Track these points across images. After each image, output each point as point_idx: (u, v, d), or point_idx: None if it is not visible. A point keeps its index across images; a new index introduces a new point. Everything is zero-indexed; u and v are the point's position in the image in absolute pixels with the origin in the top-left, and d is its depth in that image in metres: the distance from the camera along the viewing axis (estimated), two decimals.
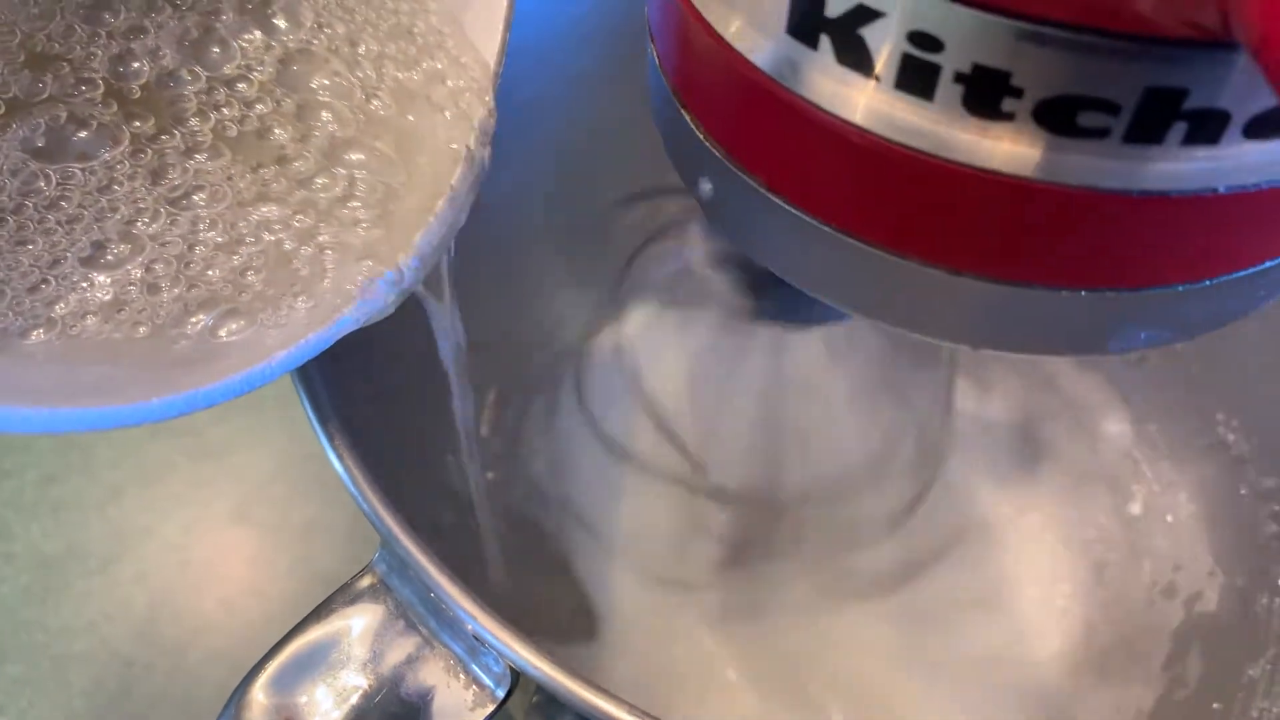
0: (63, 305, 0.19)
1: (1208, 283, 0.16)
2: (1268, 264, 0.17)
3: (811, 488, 0.38)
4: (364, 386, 0.25)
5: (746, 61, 0.16)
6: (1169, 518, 0.38)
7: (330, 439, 0.22)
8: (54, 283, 0.19)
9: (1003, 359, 0.42)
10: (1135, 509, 0.39)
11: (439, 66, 0.22)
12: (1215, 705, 0.33)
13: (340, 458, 0.22)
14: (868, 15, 0.14)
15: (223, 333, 0.19)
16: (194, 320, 0.19)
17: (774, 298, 0.32)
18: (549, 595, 0.38)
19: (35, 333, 0.18)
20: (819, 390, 0.37)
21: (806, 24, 0.15)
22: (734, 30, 0.16)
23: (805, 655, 0.37)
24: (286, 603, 0.41)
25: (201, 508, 0.43)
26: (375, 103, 0.22)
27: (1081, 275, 0.16)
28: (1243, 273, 0.16)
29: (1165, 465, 0.39)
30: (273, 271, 0.20)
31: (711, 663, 0.37)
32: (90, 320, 0.19)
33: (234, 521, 0.43)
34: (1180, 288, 0.16)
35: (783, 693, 0.37)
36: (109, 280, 0.19)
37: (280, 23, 0.22)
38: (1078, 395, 0.41)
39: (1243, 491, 0.36)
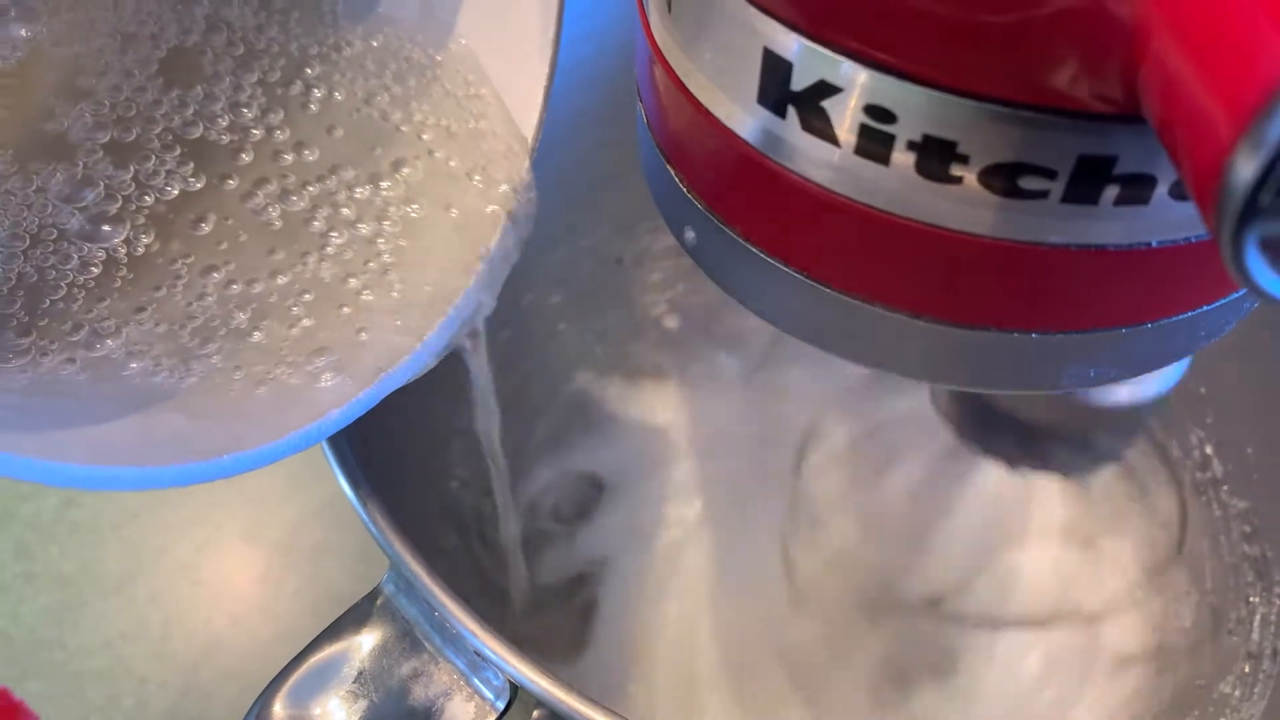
0: (213, 346, 0.20)
1: (1148, 325, 0.18)
2: (1204, 308, 0.18)
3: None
4: (373, 416, 0.26)
5: (724, 127, 0.17)
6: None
7: (342, 463, 0.24)
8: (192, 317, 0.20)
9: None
10: (1115, 529, 0.40)
11: (484, 145, 0.23)
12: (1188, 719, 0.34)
13: (352, 485, 0.23)
14: (829, 90, 0.15)
15: (325, 377, 0.20)
16: (314, 364, 0.20)
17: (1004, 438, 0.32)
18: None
19: (133, 364, 0.19)
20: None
21: (775, 96, 0.16)
22: (712, 99, 0.17)
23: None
24: (296, 622, 0.41)
25: (214, 529, 0.44)
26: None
27: (1031, 319, 0.17)
28: (1180, 316, 0.18)
29: (1143, 487, 0.40)
30: (342, 329, 0.21)
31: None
32: (215, 359, 0.20)
33: (245, 542, 0.44)
34: (1123, 330, 0.18)
35: None
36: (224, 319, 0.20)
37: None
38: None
39: (1217, 513, 0.37)
